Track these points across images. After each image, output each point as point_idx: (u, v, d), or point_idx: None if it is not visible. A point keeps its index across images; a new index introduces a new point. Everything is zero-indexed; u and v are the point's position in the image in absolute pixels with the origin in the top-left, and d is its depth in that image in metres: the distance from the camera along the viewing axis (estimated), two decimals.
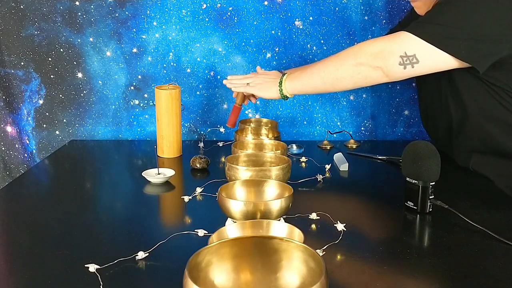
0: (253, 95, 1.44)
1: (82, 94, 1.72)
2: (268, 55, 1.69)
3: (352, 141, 1.67)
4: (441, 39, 1.10)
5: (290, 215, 1.03)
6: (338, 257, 0.89)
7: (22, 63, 1.68)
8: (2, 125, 1.72)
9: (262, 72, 1.44)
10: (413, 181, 1.06)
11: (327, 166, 1.36)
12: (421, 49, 1.11)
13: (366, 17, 1.66)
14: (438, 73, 1.17)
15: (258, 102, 1.67)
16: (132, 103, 1.73)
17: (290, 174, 1.10)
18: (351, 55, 1.18)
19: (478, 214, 1.05)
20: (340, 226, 0.99)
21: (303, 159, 1.46)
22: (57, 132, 1.74)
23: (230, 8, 1.66)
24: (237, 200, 0.93)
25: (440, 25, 1.11)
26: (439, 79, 1.29)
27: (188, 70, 1.70)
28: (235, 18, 1.66)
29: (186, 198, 1.16)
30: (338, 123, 1.76)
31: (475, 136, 1.27)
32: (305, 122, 1.76)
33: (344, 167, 1.38)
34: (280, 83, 1.30)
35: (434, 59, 1.12)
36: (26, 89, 1.71)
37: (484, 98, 1.21)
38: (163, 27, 1.67)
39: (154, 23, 1.67)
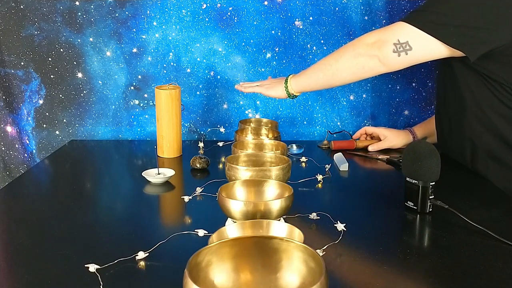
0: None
1: (82, 94, 1.72)
2: (268, 55, 1.69)
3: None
4: (433, 26, 1.12)
5: (290, 215, 1.03)
6: (338, 257, 0.89)
7: (22, 63, 1.68)
8: (2, 125, 1.72)
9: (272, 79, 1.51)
10: (413, 181, 1.06)
11: (327, 166, 1.36)
12: (413, 36, 1.13)
13: (366, 17, 1.66)
14: (443, 65, 1.17)
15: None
16: (132, 103, 1.73)
17: (290, 174, 1.10)
18: (350, 47, 1.24)
19: (478, 214, 1.05)
20: (340, 226, 0.99)
21: (303, 159, 1.45)
22: (57, 132, 1.74)
23: (230, 8, 1.66)
24: (237, 200, 0.93)
25: (433, 12, 1.13)
26: (443, 71, 1.31)
27: (188, 70, 1.70)
28: (235, 18, 1.66)
29: (186, 198, 1.16)
30: (338, 123, 1.76)
31: (473, 128, 1.27)
32: (305, 122, 1.75)
33: (344, 167, 1.38)
34: (286, 81, 1.37)
35: (426, 46, 1.14)
36: (26, 89, 1.71)
37: (480, 90, 1.21)
38: (163, 27, 1.67)
39: (154, 23, 1.67)
